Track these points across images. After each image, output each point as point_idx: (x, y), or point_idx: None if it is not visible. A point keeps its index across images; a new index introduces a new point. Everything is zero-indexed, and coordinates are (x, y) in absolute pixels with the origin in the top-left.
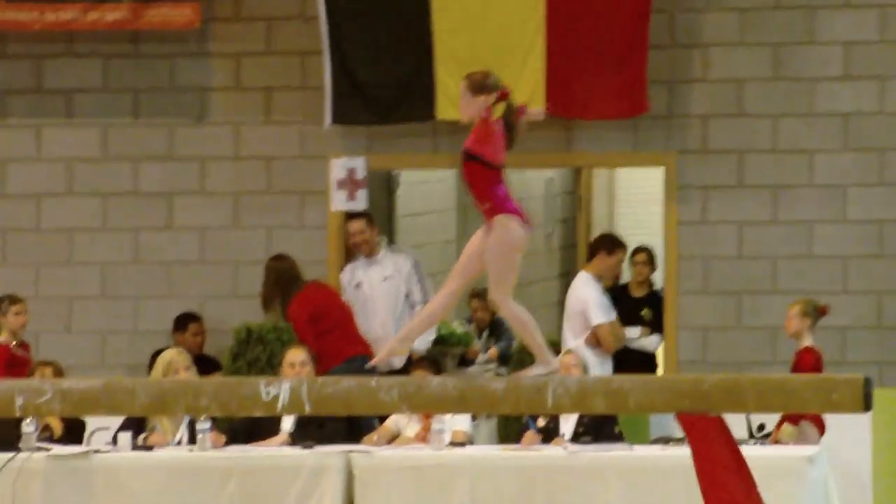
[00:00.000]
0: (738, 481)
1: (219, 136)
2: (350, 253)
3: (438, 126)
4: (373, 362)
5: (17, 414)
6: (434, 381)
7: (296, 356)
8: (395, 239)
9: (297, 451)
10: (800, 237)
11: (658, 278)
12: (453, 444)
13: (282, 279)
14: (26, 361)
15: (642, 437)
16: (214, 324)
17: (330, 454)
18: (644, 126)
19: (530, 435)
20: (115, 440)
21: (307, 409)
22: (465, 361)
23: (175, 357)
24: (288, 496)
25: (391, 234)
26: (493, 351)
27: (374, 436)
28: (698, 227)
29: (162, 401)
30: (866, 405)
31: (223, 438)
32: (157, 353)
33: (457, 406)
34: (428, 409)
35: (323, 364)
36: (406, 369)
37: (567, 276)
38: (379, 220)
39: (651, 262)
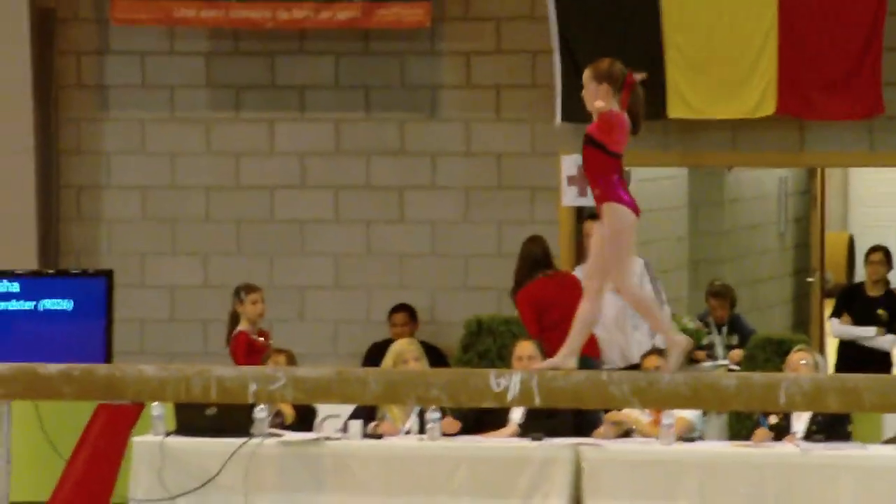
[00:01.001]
0: None
1: (449, 133)
2: (581, 249)
3: (670, 124)
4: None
5: (250, 400)
6: (665, 377)
7: (525, 349)
8: None
9: (525, 443)
10: None
11: (894, 277)
12: (682, 438)
13: (527, 261)
14: (264, 349)
15: (875, 437)
16: (445, 315)
17: (559, 446)
18: (880, 126)
19: (762, 432)
20: (345, 428)
21: (537, 402)
22: (694, 359)
23: (405, 347)
24: (516, 487)
25: None
26: (737, 353)
27: (602, 429)
28: None
29: (393, 390)
30: None
31: (458, 425)
32: (375, 345)
33: (688, 402)
34: (659, 405)
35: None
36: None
37: (799, 275)
38: None
39: (888, 261)
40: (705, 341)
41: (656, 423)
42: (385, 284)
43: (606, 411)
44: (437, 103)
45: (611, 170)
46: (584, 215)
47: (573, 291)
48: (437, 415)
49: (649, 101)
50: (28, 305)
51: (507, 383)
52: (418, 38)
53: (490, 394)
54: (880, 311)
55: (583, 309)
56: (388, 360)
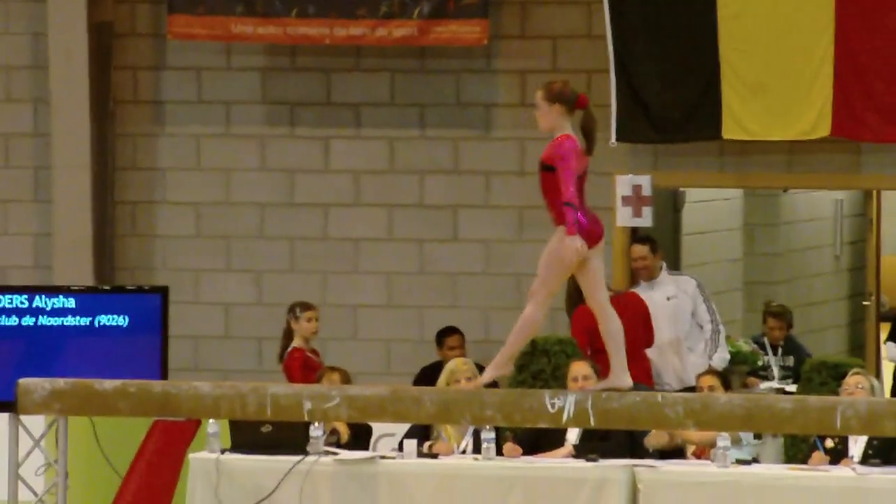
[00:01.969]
0: None
1: (504, 151)
2: (633, 273)
3: (725, 146)
4: (481, 381)
5: (306, 418)
6: (721, 399)
7: (579, 369)
8: (679, 256)
9: (581, 464)
10: None
11: None
12: (739, 462)
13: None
14: (319, 367)
15: None
16: (498, 335)
17: (614, 467)
18: None
19: (818, 455)
20: (400, 447)
21: (592, 423)
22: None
23: (458, 367)
24: None
25: (676, 252)
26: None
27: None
28: None
29: (447, 410)
30: None
31: (519, 451)
32: (423, 370)
33: (743, 424)
34: (714, 426)
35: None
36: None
37: (854, 298)
38: (664, 237)
39: None
40: (760, 363)
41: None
42: (438, 304)
43: None
44: (492, 122)
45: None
46: (637, 235)
47: (627, 314)
48: (492, 434)
49: (706, 123)
50: (84, 321)
51: (561, 404)
52: (474, 55)
53: (545, 414)
54: None
55: (604, 329)
56: (441, 379)
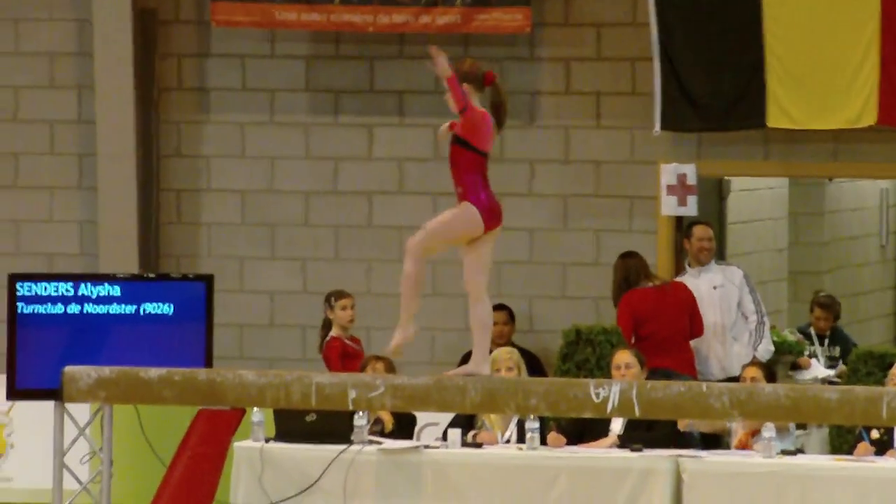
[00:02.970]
0: None
1: (548, 140)
2: (678, 259)
3: (769, 134)
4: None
5: (350, 407)
6: (766, 389)
7: (622, 358)
8: (724, 246)
9: (625, 454)
10: None
11: None
12: (784, 452)
13: (625, 277)
14: (358, 355)
15: None
16: (543, 324)
17: (659, 458)
18: None
19: (864, 446)
20: (444, 436)
21: (637, 413)
22: (799, 365)
23: (502, 356)
24: (616, 498)
25: (721, 241)
26: (844, 370)
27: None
28: None
29: (492, 399)
30: None
31: (563, 441)
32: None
33: (789, 415)
34: (759, 417)
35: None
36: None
37: None
38: None
39: None
40: (806, 353)
41: (749, 434)
42: None
43: None
44: (536, 110)
45: (475, 168)
46: (682, 224)
47: (672, 303)
48: (537, 424)
49: (750, 111)
50: (129, 309)
51: (606, 393)
52: (518, 43)
53: (590, 404)
54: None
55: (474, 313)
56: None
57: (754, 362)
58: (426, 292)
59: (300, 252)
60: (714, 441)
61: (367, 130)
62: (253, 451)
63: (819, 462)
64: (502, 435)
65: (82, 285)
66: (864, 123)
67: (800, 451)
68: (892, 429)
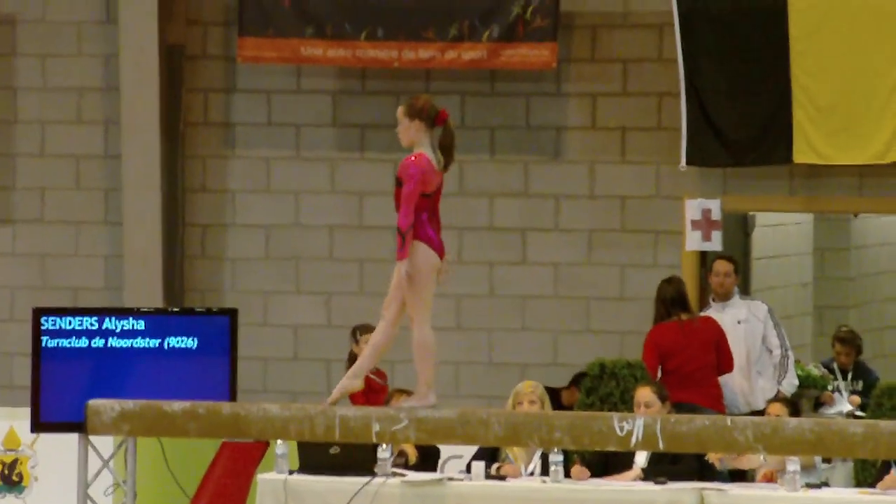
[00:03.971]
0: None
1: (574, 175)
2: (702, 293)
3: (795, 169)
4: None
5: (374, 440)
6: (791, 423)
7: (642, 397)
8: (749, 281)
9: (649, 487)
10: None
11: None
12: (808, 486)
13: (662, 302)
14: (383, 389)
15: None
16: (567, 358)
17: (683, 490)
18: None
19: (889, 479)
20: (468, 468)
21: (661, 447)
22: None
23: (524, 390)
24: None
25: (746, 276)
26: (856, 399)
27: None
28: None
29: (515, 432)
30: None
31: (587, 473)
32: None
33: (814, 449)
34: (783, 451)
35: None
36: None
37: None
38: None
39: None
40: (830, 387)
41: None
42: (507, 327)
43: None
44: (562, 145)
45: (420, 209)
46: (707, 259)
47: (697, 339)
48: (560, 457)
49: (777, 146)
50: (153, 343)
51: (630, 427)
52: (544, 79)
53: (614, 437)
54: None
55: (376, 334)
56: (509, 401)
57: (779, 398)
58: (451, 326)
59: (325, 286)
60: (739, 474)
61: (392, 165)
62: (277, 483)
63: (844, 495)
64: (526, 468)
65: (107, 319)
66: (891, 159)
67: (825, 484)
68: None
